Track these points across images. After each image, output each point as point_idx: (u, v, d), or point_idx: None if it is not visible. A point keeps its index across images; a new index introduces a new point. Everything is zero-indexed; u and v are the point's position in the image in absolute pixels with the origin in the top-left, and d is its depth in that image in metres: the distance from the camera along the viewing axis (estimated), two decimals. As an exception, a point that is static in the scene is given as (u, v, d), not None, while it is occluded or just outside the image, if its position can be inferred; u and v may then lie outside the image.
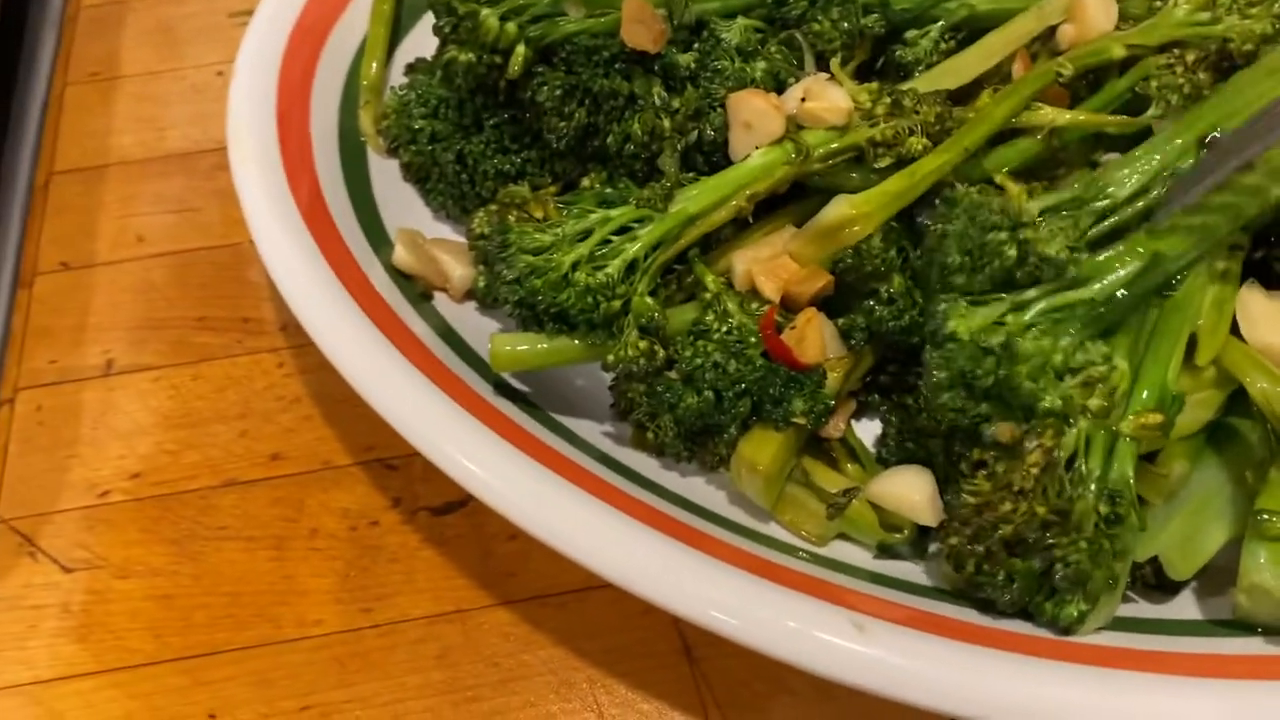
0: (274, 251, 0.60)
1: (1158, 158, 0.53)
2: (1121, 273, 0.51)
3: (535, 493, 0.52)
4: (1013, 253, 0.50)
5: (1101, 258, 0.51)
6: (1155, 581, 0.53)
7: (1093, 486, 0.49)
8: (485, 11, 0.60)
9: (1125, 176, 0.53)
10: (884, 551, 0.56)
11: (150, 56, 0.88)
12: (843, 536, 0.57)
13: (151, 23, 0.91)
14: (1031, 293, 0.50)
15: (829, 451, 0.60)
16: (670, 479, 0.59)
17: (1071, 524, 0.48)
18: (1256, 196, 0.52)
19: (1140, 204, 0.53)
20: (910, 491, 0.55)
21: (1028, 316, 0.50)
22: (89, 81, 0.87)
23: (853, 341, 0.58)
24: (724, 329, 0.56)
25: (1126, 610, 0.53)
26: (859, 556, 0.56)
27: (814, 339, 0.56)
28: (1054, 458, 0.49)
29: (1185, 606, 0.54)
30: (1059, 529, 0.49)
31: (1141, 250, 0.52)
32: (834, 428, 0.59)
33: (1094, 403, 0.50)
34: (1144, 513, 0.51)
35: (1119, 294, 0.51)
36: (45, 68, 0.93)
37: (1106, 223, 0.52)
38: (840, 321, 0.58)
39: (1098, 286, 0.51)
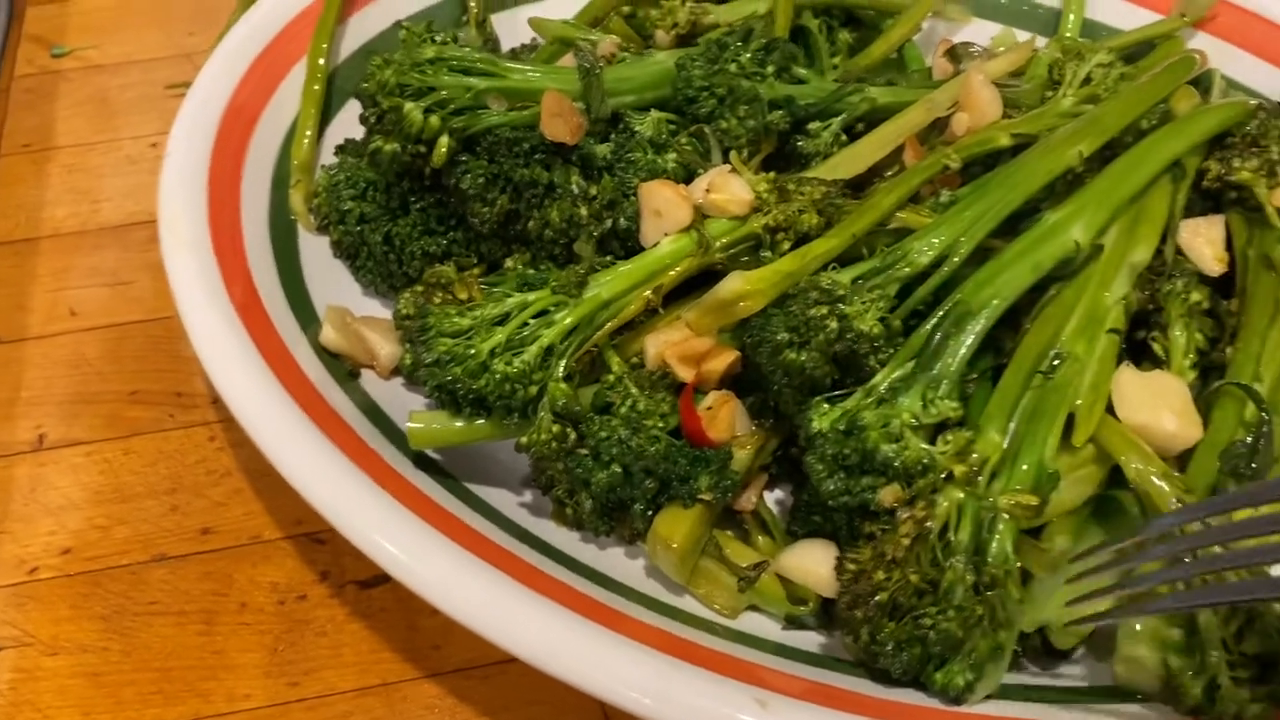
0: (203, 338, 0.62)
1: (951, 228, 0.59)
2: (939, 332, 0.56)
3: (450, 572, 0.54)
4: (834, 325, 0.54)
5: (927, 325, 0.56)
6: (1045, 650, 0.57)
7: (962, 557, 0.52)
8: (409, 105, 0.62)
9: (923, 247, 0.58)
10: (792, 623, 0.59)
11: (84, 128, 0.89)
12: (754, 608, 0.60)
13: (85, 94, 0.92)
14: (878, 377, 0.55)
15: (743, 524, 0.63)
16: (589, 553, 0.61)
17: (941, 592, 0.51)
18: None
19: (945, 269, 0.58)
20: (814, 564, 0.58)
21: (871, 395, 0.54)
22: (22, 153, 0.88)
23: (761, 419, 0.61)
24: (626, 407, 0.58)
25: (1018, 678, 0.56)
26: (768, 629, 0.59)
27: (725, 418, 0.59)
28: (925, 528, 0.52)
29: (1075, 673, 0.57)
30: (930, 597, 0.52)
31: (949, 304, 0.57)
32: (746, 501, 0.62)
33: (959, 469, 0.53)
34: (1029, 585, 0.55)
35: (939, 348, 0.56)
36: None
37: (920, 290, 0.57)
38: (749, 400, 0.61)
39: (925, 350, 0.56)
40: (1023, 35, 0.83)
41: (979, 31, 0.86)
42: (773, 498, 0.65)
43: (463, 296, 0.62)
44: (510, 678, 0.62)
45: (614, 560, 0.62)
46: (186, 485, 0.70)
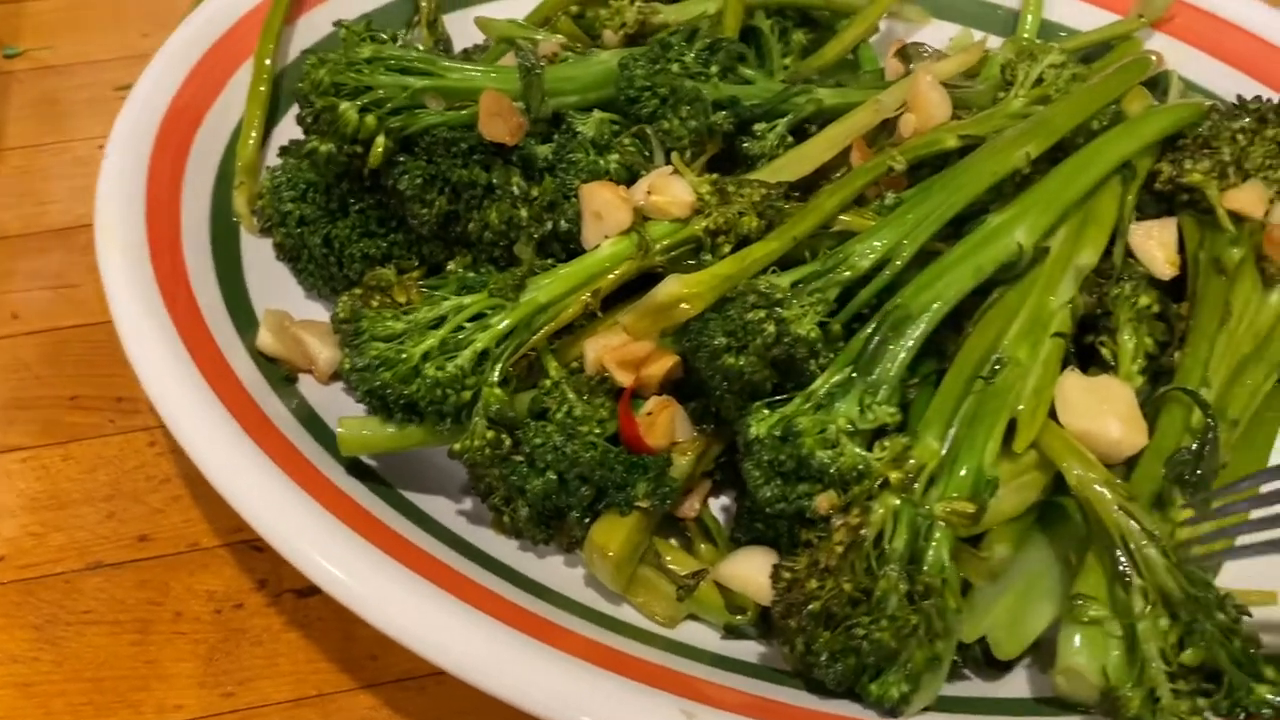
0: (135, 342, 0.60)
1: (893, 230, 0.58)
2: (877, 337, 0.55)
3: (382, 586, 0.52)
4: (772, 329, 0.53)
5: (866, 330, 0.55)
6: (986, 660, 0.55)
7: (896, 565, 0.51)
8: (344, 105, 0.61)
9: (865, 250, 0.57)
10: (731, 632, 0.58)
11: (34, 129, 0.88)
12: (694, 617, 0.59)
13: (36, 94, 0.91)
14: (817, 382, 0.54)
15: (685, 531, 0.61)
16: (527, 562, 0.60)
17: (875, 602, 0.50)
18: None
19: (887, 273, 0.57)
20: (753, 573, 0.56)
21: (810, 401, 0.53)
22: (-30, 154, 0.87)
23: (704, 425, 0.60)
24: (562, 412, 0.57)
25: (958, 689, 0.55)
26: (708, 638, 0.58)
27: (664, 424, 0.58)
28: (860, 535, 0.51)
29: (1017, 684, 0.56)
30: (864, 606, 0.51)
31: (888, 308, 0.56)
32: (689, 508, 0.61)
33: (895, 475, 0.52)
34: (970, 594, 0.54)
35: (877, 353, 0.55)
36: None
37: (862, 294, 0.56)
38: (691, 405, 0.60)
39: (863, 355, 0.55)
40: (981, 36, 0.82)
41: (938, 33, 0.85)
42: (719, 504, 0.64)
43: (401, 300, 0.61)
44: (447, 689, 0.61)
45: (552, 569, 0.60)
46: (125, 491, 0.69)
